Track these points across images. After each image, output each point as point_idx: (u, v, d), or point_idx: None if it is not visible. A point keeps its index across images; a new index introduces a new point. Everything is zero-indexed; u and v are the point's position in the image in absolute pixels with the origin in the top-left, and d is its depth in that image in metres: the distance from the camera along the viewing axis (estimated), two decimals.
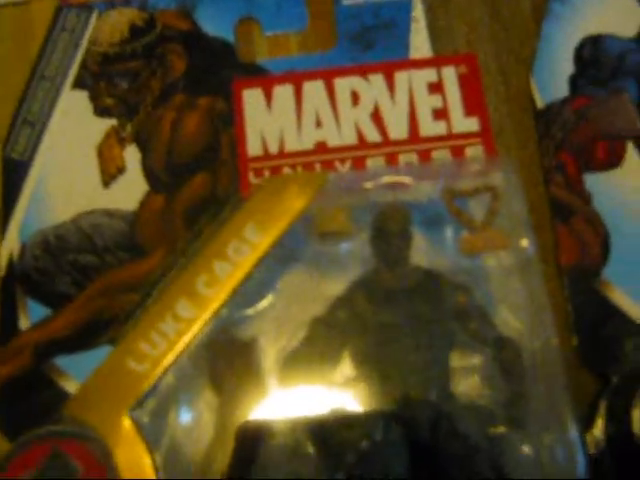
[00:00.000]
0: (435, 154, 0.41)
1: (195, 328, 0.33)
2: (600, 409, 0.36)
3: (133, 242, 0.41)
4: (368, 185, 0.36)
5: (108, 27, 0.44)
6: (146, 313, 0.35)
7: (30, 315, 0.40)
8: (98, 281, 0.40)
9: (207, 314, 0.34)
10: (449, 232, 0.37)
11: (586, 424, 0.36)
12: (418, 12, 0.44)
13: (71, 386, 0.38)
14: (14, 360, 0.39)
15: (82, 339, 0.39)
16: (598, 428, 0.36)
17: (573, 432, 0.34)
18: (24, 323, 0.40)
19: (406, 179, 0.36)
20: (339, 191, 0.36)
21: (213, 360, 0.34)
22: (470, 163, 0.37)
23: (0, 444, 0.37)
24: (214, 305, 0.34)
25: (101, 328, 0.39)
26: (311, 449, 0.32)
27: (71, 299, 0.40)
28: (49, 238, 0.41)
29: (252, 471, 0.32)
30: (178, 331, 0.33)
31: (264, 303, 0.36)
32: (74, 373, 0.38)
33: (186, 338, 0.33)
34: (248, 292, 0.35)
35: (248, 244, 0.34)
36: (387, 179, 0.35)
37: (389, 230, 0.36)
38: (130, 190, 0.41)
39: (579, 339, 0.38)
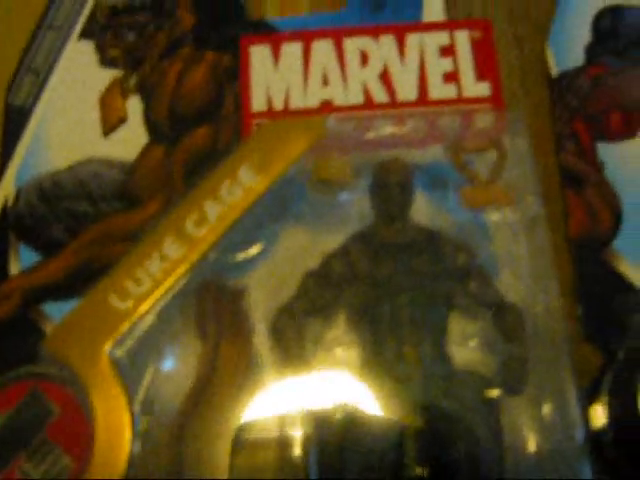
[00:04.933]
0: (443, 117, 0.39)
1: (182, 269, 0.32)
2: (604, 384, 0.35)
3: (129, 192, 0.40)
4: (370, 136, 0.35)
5: None
6: (133, 251, 0.33)
7: (21, 261, 0.39)
8: (91, 229, 0.39)
9: (195, 255, 0.32)
10: (453, 193, 0.36)
11: (590, 399, 0.34)
12: None
13: None
14: (1, 304, 0.38)
15: (71, 286, 0.38)
16: (602, 403, 0.34)
17: (573, 402, 0.32)
18: (14, 268, 0.39)
19: (411, 131, 0.34)
20: (340, 140, 0.34)
21: (200, 305, 0.33)
22: (477, 121, 0.36)
23: None
24: (202, 246, 0.32)
25: (91, 276, 0.38)
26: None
27: (63, 246, 0.39)
28: (45, 184, 0.40)
29: None
30: (164, 270, 0.32)
31: (255, 250, 0.35)
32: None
33: (172, 279, 0.32)
34: (239, 238, 0.34)
35: (242, 186, 0.33)
36: (390, 129, 0.34)
37: (389, 182, 0.34)
38: (130, 141, 0.41)
39: (584, 310, 0.36)
